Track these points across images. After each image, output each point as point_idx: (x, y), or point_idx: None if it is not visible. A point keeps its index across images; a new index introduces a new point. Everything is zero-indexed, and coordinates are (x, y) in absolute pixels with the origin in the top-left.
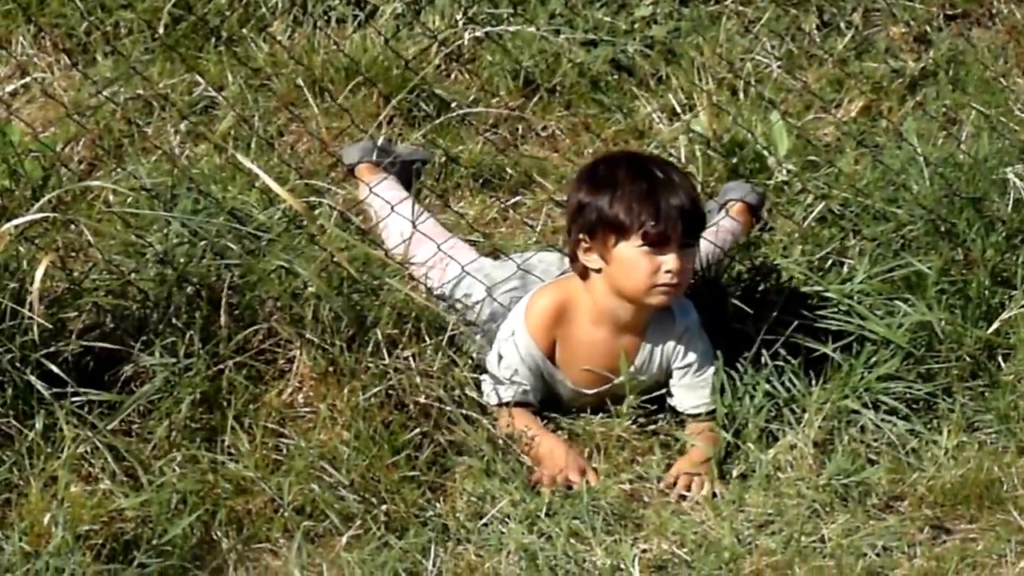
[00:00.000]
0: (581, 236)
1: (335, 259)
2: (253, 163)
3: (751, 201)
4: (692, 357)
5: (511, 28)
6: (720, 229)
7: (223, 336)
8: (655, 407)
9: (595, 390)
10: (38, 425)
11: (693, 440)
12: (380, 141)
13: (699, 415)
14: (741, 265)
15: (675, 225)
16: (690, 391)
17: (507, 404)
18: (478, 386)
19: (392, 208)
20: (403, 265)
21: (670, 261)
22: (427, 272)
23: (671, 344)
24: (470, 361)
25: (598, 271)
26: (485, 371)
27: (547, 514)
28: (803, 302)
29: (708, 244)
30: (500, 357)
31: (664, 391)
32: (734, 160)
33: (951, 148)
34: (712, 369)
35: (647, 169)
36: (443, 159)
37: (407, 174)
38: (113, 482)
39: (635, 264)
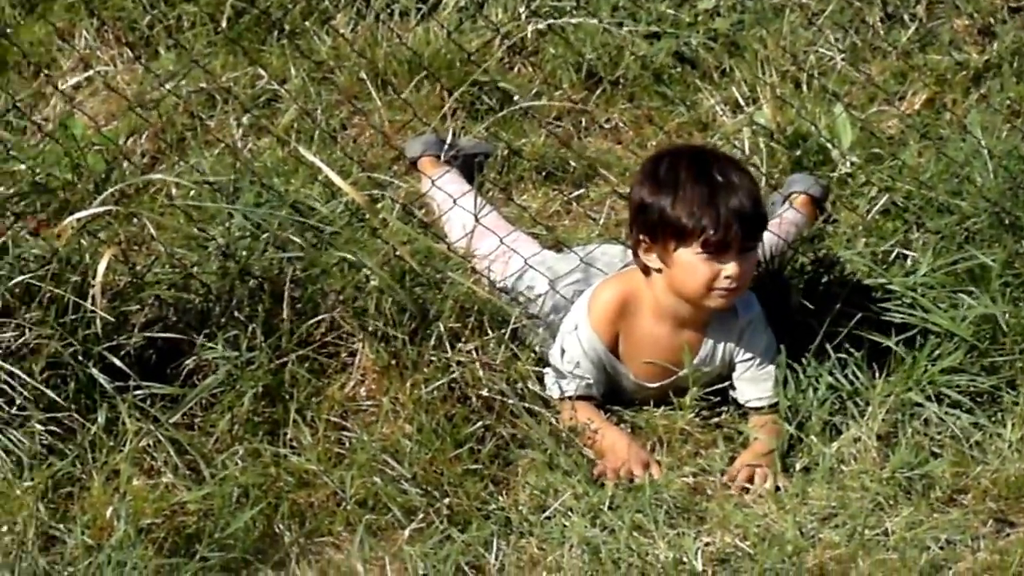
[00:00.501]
0: (642, 237)
1: (397, 252)
2: (316, 156)
3: (815, 193)
4: (755, 351)
5: (574, 20)
6: (784, 221)
7: (285, 329)
8: (718, 399)
9: (658, 384)
10: (100, 419)
11: (756, 433)
12: (443, 134)
13: (762, 408)
14: (805, 257)
15: (735, 231)
16: (753, 384)
17: (570, 397)
18: (541, 379)
19: (455, 201)
20: (465, 258)
21: (730, 267)
22: (490, 265)
23: (734, 338)
24: (533, 354)
25: (659, 271)
26: (548, 364)
27: (610, 507)
28: (867, 295)
29: (772, 236)
30: (563, 351)
31: (727, 384)
32: (797, 152)
33: (1015, 140)
34: (775, 362)
35: (708, 171)
36: (506, 152)
37: (470, 167)
38: (175, 475)
39: (694, 269)
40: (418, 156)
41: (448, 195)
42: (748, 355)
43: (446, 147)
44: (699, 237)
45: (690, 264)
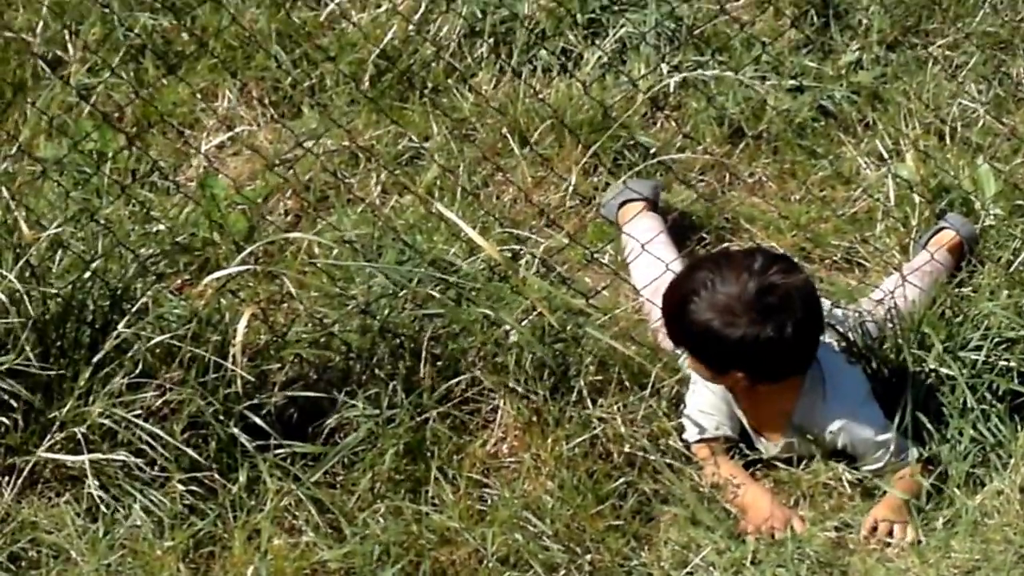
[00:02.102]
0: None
1: (537, 308)
2: (456, 213)
3: (965, 234)
4: (861, 449)
5: (716, 74)
6: (923, 273)
7: (426, 387)
8: None
9: (775, 443)
10: (241, 478)
11: (891, 487)
12: (647, 180)
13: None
14: (948, 310)
15: None
16: (872, 462)
17: (707, 440)
18: (681, 432)
19: (643, 247)
20: (607, 310)
21: None
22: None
23: (824, 434)
24: (674, 409)
25: None
26: (684, 412)
27: (752, 562)
28: (1009, 347)
29: (913, 288)
30: (693, 392)
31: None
32: (941, 205)
33: None
34: (884, 442)
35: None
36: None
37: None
38: (316, 534)
39: None
40: (619, 205)
41: (635, 239)
42: (858, 453)
43: (652, 190)
44: None
45: None
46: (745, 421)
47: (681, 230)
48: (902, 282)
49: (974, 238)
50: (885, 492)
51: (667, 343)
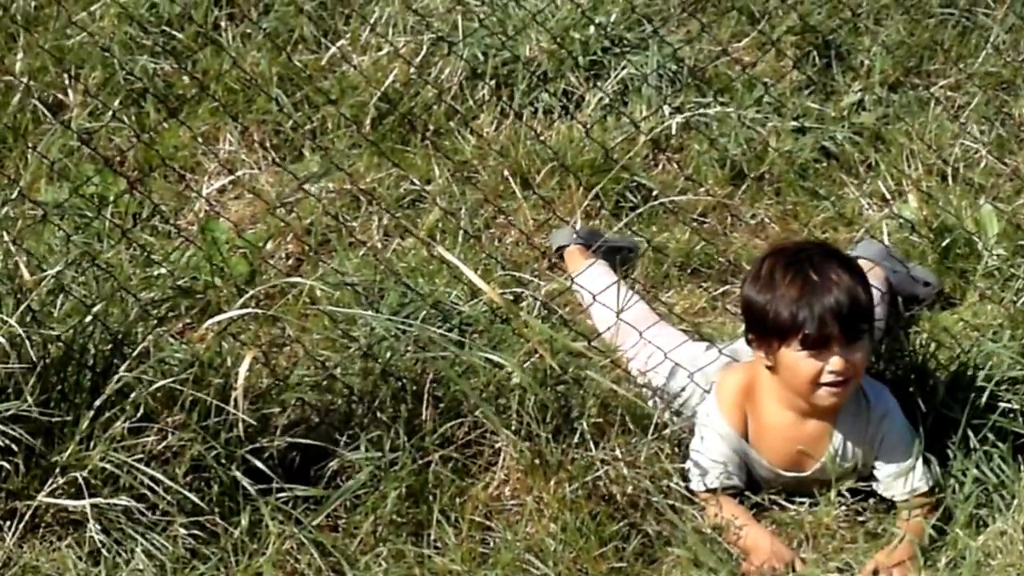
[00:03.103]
0: (750, 335)
1: (538, 351)
2: (458, 256)
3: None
4: (893, 444)
5: (717, 116)
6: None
7: (428, 429)
8: (868, 489)
9: (792, 473)
10: (244, 522)
11: (897, 531)
12: (591, 227)
13: (907, 500)
14: (950, 351)
15: (832, 326)
16: (896, 479)
17: (712, 490)
18: (684, 475)
19: (594, 297)
20: (608, 352)
21: (834, 362)
22: (633, 357)
23: (867, 432)
24: (676, 450)
25: (770, 367)
26: (689, 457)
27: None
28: (1012, 387)
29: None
30: (701, 439)
31: (866, 482)
32: (943, 245)
33: None
34: (916, 453)
35: (803, 269)
36: (649, 248)
37: (613, 260)
38: None
39: (798, 367)
40: (565, 245)
41: (588, 291)
42: (887, 450)
43: (594, 238)
44: (797, 335)
45: (793, 362)
46: (765, 460)
47: (683, 272)
48: None
49: (885, 255)
50: (889, 533)
51: (644, 378)
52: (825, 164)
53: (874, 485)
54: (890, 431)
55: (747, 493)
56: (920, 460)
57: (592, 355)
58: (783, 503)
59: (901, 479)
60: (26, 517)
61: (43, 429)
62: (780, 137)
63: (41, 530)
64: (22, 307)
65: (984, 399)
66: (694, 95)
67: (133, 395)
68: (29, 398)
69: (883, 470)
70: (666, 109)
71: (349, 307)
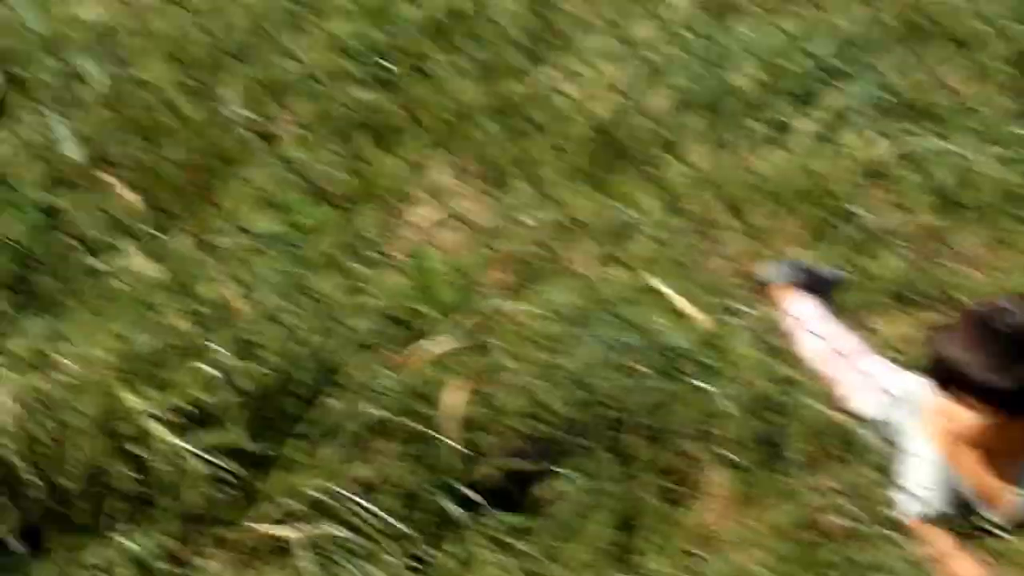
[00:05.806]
0: None
1: (748, 378)
2: (666, 285)
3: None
4: None
5: (932, 147)
6: None
7: (636, 456)
8: None
9: (1000, 507)
10: (453, 550)
11: None
12: (801, 261)
13: None
14: None
15: None
16: None
17: (924, 519)
18: (893, 504)
19: (804, 326)
20: (819, 380)
21: None
22: (844, 386)
23: None
24: (887, 478)
25: None
26: (898, 485)
27: None
28: None
29: None
30: (912, 467)
31: None
32: None
33: None
34: None
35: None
36: (858, 278)
37: (824, 292)
38: None
39: None
40: (773, 280)
41: (798, 318)
42: None
43: (802, 272)
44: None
45: None
46: (974, 492)
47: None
48: None
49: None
50: None
51: (856, 407)
52: None
53: None
54: None
55: (961, 521)
56: None
57: (803, 382)
58: (1000, 532)
59: None
60: (233, 544)
61: (254, 458)
62: (991, 165)
63: (247, 556)
64: (235, 338)
65: None
66: (908, 123)
67: (343, 424)
68: (241, 428)
69: None
70: (880, 139)
71: (557, 335)
